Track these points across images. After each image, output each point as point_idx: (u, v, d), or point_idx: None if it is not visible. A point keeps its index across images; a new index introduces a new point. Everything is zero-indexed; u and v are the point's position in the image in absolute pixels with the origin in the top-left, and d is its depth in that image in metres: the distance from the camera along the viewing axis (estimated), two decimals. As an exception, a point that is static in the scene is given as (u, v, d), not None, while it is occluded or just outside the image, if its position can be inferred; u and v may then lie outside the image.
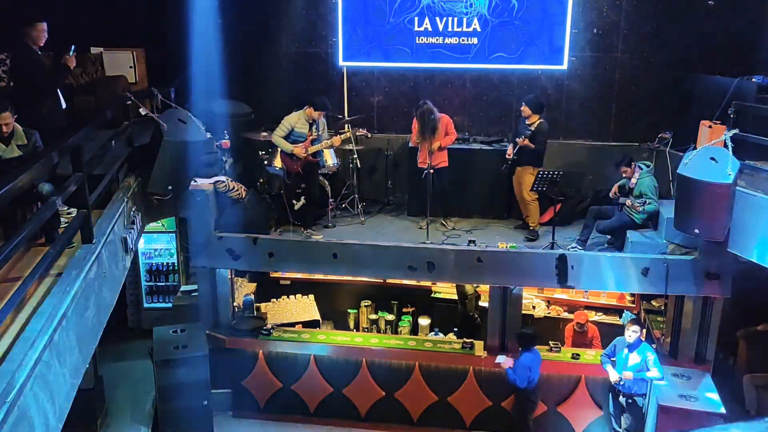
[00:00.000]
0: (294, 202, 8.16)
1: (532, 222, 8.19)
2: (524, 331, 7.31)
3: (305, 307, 9.02)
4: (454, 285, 8.92)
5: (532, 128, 7.98)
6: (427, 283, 9.03)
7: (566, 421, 7.73)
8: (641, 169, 7.51)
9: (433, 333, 8.70)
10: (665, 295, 7.80)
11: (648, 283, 7.08)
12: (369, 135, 8.63)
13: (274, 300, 9.14)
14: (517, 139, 7.99)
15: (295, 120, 7.86)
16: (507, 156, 8.14)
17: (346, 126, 8.73)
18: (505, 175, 8.35)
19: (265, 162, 8.41)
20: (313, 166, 8.09)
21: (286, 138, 7.85)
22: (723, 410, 6.67)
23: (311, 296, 9.23)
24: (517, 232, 8.37)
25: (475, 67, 9.25)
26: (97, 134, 5.90)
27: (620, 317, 8.68)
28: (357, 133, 8.44)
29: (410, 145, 8.64)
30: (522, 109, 8.17)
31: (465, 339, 7.95)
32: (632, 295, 8.66)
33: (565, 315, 8.84)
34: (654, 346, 7.70)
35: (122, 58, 8.71)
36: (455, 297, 9.12)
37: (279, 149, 8.00)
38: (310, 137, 7.87)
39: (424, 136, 8.07)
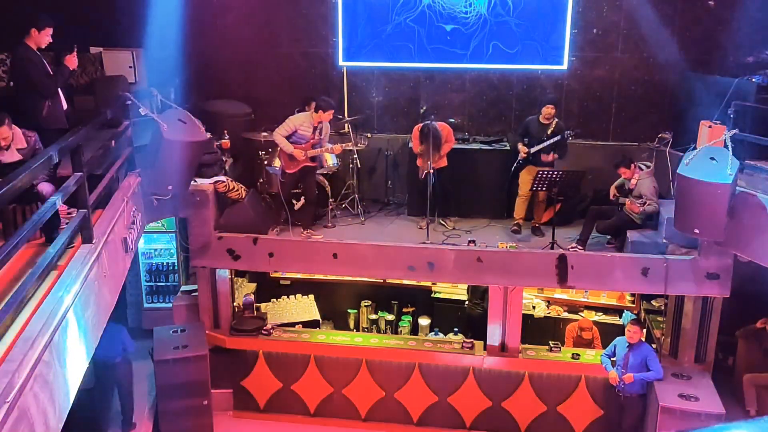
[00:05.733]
0: (294, 201, 8.17)
1: (540, 219, 8.25)
2: None
3: (305, 307, 9.03)
4: (461, 284, 8.88)
5: (550, 130, 7.98)
6: (427, 283, 9.03)
7: (566, 421, 7.74)
8: (641, 170, 7.50)
9: (433, 333, 8.71)
10: (665, 295, 7.80)
11: (648, 283, 7.09)
12: (364, 143, 8.58)
13: (274, 300, 9.15)
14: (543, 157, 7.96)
15: (300, 122, 7.74)
16: (524, 154, 8.05)
17: (346, 126, 8.73)
18: (510, 175, 8.34)
19: (265, 162, 8.40)
20: (311, 168, 8.03)
21: (288, 138, 7.79)
22: (723, 410, 6.67)
23: (311, 296, 9.24)
24: (523, 234, 8.31)
25: (474, 67, 9.25)
26: (97, 134, 5.89)
27: (620, 317, 8.69)
28: (359, 143, 8.41)
29: (411, 148, 8.63)
30: (547, 110, 8.02)
31: (465, 339, 7.96)
32: (632, 295, 8.66)
33: (565, 315, 8.84)
34: (654, 346, 7.71)
35: (122, 58, 8.70)
36: (455, 297, 9.13)
37: (278, 148, 7.96)
38: (312, 141, 7.82)
39: (428, 150, 7.97)
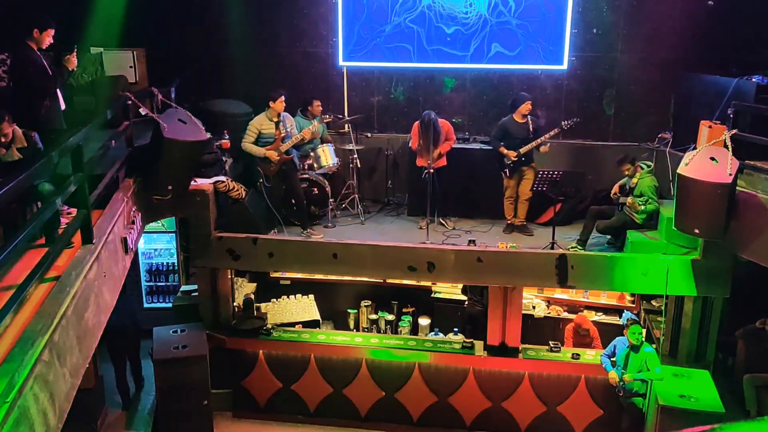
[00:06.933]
0: (293, 201, 8.17)
1: (523, 217, 8.31)
2: None
3: (305, 307, 9.02)
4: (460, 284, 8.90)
5: (530, 127, 8.03)
6: (427, 283, 9.02)
7: (566, 422, 7.73)
8: (642, 169, 7.51)
9: (433, 333, 8.71)
10: (665, 295, 7.80)
11: (648, 283, 7.08)
12: (329, 118, 8.49)
13: (274, 300, 9.14)
14: (542, 148, 8.02)
15: (260, 122, 7.87)
16: (513, 158, 8.08)
17: (346, 127, 8.73)
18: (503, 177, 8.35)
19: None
20: (290, 165, 8.05)
21: (256, 143, 7.86)
22: (723, 410, 6.67)
23: (311, 296, 9.23)
24: (512, 234, 8.33)
25: (475, 67, 9.26)
26: (97, 134, 5.89)
27: (620, 317, 8.67)
28: (324, 120, 8.36)
29: (410, 146, 8.64)
30: (528, 107, 8.07)
31: (465, 339, 7.96)
32: (632, 295, 8.66)
33: (565, 315, 8.83)
34: (654, 346, 7.71)
35: (122, 58, 8.71)
36: (455, 297, 9.11)
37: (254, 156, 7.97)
38: (279, 136, 7.85)
39: (428, 145, 8.01)
